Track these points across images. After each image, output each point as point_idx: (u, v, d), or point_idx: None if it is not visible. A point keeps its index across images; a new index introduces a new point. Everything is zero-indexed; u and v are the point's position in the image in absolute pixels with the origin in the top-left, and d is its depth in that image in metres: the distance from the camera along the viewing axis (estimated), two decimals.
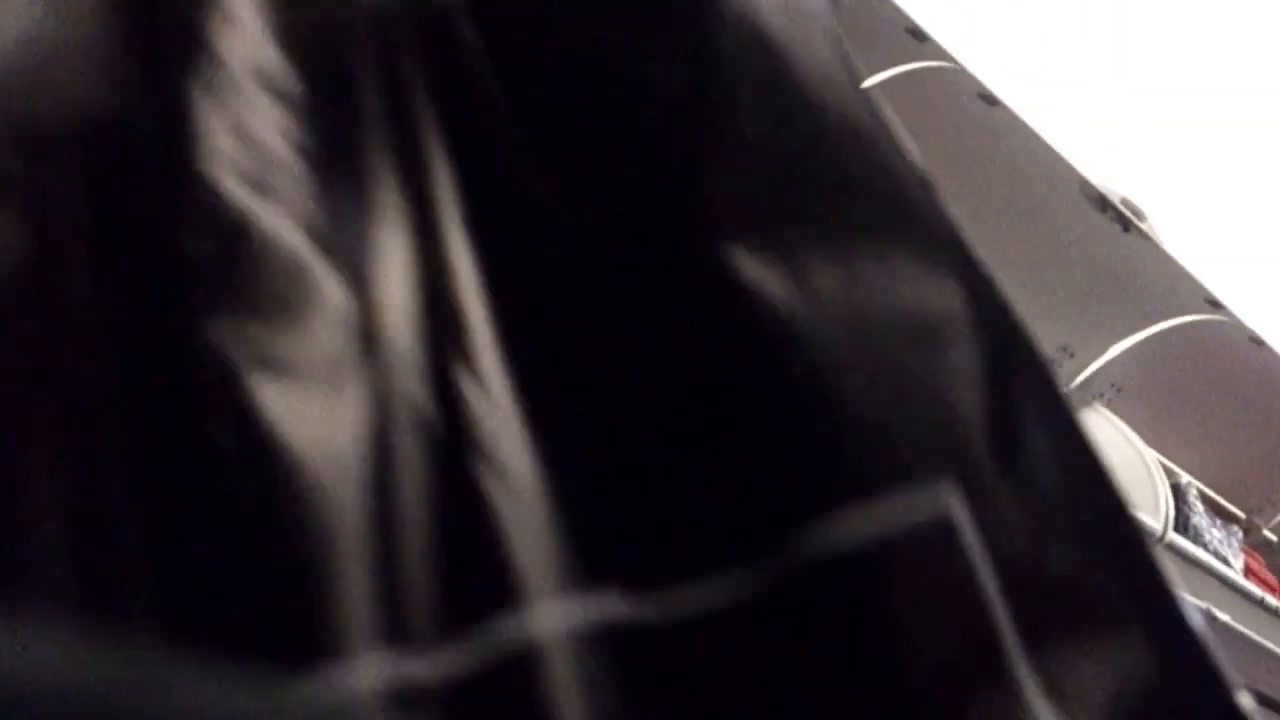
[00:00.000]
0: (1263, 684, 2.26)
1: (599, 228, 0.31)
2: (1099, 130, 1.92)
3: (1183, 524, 2.10)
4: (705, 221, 0.31)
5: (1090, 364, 2.07)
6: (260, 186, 0.29)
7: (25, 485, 0.27)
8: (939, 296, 0.32)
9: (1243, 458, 2.38)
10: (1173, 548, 1.98)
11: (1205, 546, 2.10)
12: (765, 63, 0.32)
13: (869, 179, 0.32)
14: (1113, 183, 1.91)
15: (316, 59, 0.31)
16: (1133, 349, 2.08)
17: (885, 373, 0.31)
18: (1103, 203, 1.88)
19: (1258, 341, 2.19)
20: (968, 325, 0.31)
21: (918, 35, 1.61)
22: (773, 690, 0.29)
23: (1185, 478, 2.25)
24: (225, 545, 0.27)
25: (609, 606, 0.29)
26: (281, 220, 0.29)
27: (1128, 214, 1.91)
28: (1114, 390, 2.11)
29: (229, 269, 0.29)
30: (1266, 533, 2.52)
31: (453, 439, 0.29)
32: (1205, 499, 2.29)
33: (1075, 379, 2.07)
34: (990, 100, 1.71)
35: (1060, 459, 0.32)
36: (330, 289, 0.29)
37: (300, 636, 0.26)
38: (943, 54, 1.64)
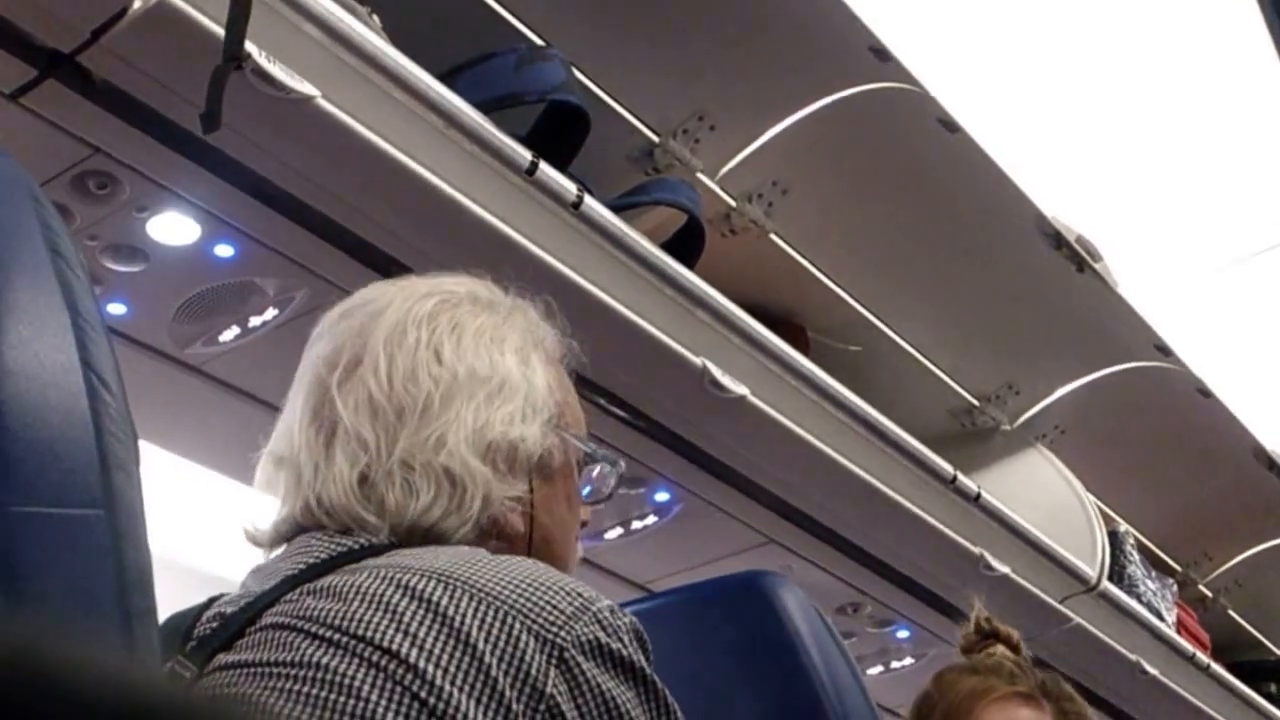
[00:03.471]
0: None
1: None
2: (1059, 166, 1.90)
3: (1118, 573, 2.08)
4: None
5: (1035, 403, 2.05)
6: None
7: None
8: None
9: (1183, 510, 2.37)
10: (1106, 596, 1.95)
11: (1139, 598, 2.08)
12: None
13: None
14: (1070, 220, 1.88)
15: None
16: (1079, 390, 2.06)
17: None
18: (1058, 240, 1.85)
19: (1205, 393, 2.18)
20: None
21: (881, 55, 1.58)
22: None
23: (1123, 526, 2.24)
24: None
25: None
26: None
27: (1082, 253, 1.89)
28: (1057, 431, 2.09)
29: None
30: (1202, 588, 2.52)
31: None
32: (1142, 549, 2.27)
33: (1019, 417, 2.05)
34: (951, 126, 1.68)
35: None
36: None
37: None
38: (906, 75, 1.61)
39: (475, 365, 0.71)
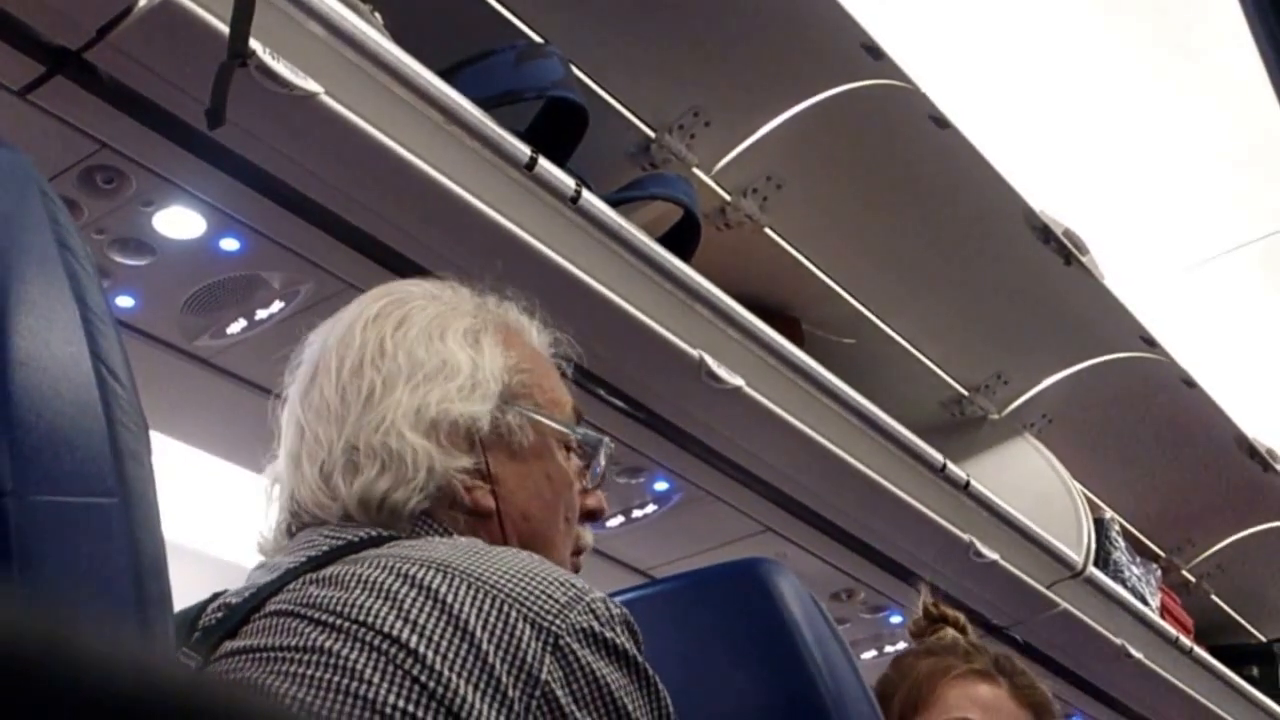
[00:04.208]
0: None
1: None
2: (1047, 162, 1.93)
3: (1103, 559, 2.11)
4: None
5: (1023, 393, 2.08)
6: None
7: None
8: None
9: (1167, 497, 2.41)
10: (1092, 581, 1.99)
11: (1124, 583, 2.12)
12: None
13: None
14: (1057, 214, 1.91)
15: None
16: (1066, 380, 2.09)
17: None
18: (1046, 233, 1.88)
19: (1189, 383, 2.21)
20: None
21: (874, 52, 1.60)
22: None
23: (1109, 513, 2.28)
24: None
25: None
26: None
27: (1070, 246, 1.91)
28: (1045, 420, 2.13)
29: None
30: (1185, 573, 2.56)
31: None
32: (1127, 535, 2.31)
33: (1007, 407, 2.08)
34: (942, 123, 1.70)
35: None
36: None
37: None
38: (898, 73, 1.63)
39: (414, 351, 0.74)
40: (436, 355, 0.74)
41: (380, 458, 0.71)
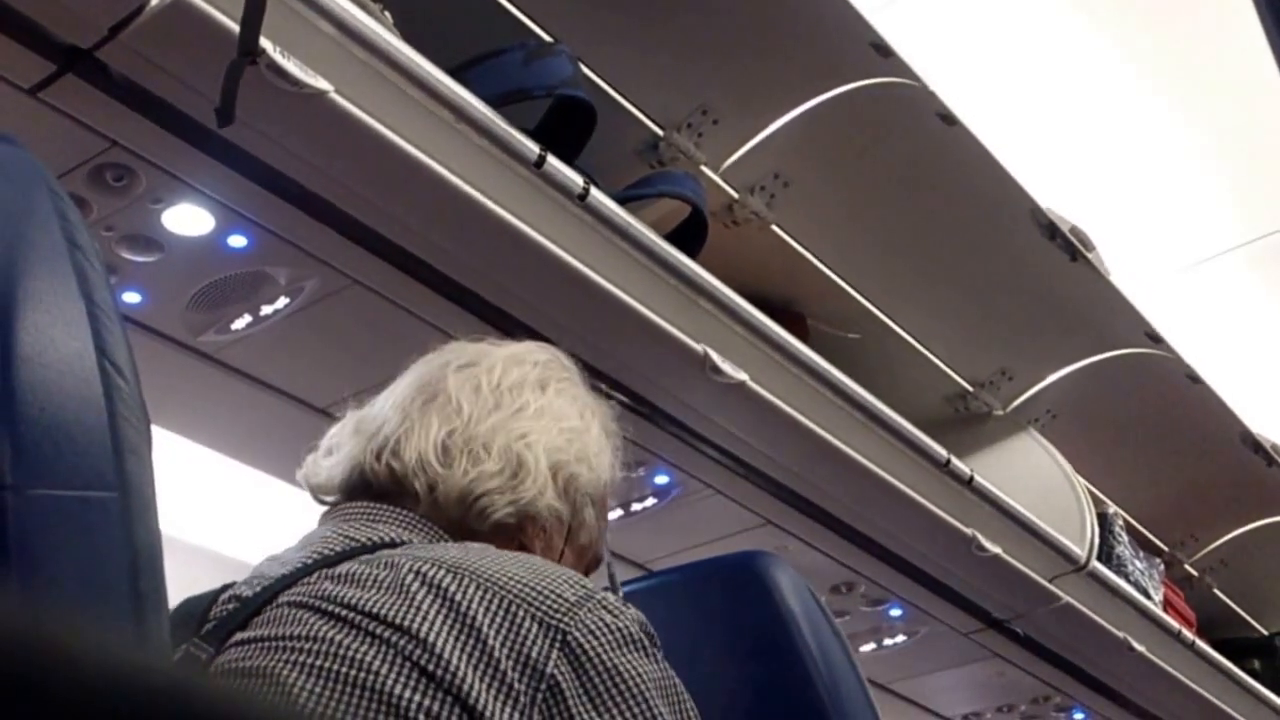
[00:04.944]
0: (1176, 715, 2.30)
1: None
2: (1054, 159, 1.92)
3: (1106, 553, 2.12)
4: None
5: (1028, 388, 2.08)
6: None
7: None
8: None
9: (1171, 492, 2.42)
10: (1094, 576, 1.99)
11: (1127, 577, 2.13)
12: None
13: None
14: (1064, 211, 1.91)
15: None
16: (1071, 376, 2.09)
17: None
18: (1052, 230, 1.88)
19: (1194, 379, 2.21)
20: None
21: (882, 50, 1.60)
22: None
23: (1113, 507, 2.28)
24: None
25: None
26: None
27: (1076, 243, 1.91)
28: (1049, 416, 2.13)
29: None
30: (1188, 567, 2.57)
31: None
32: (1130, 530, 2.32)
33: (1012, 402, 2.09)
34: (949, 120, 1.70)
35: None
36: None
37: None
38: (906, 70, 1.63)
39: (567, 408, 0.80)
40: (582, 421, 0.80)
41: (507, 459, 0.74)
